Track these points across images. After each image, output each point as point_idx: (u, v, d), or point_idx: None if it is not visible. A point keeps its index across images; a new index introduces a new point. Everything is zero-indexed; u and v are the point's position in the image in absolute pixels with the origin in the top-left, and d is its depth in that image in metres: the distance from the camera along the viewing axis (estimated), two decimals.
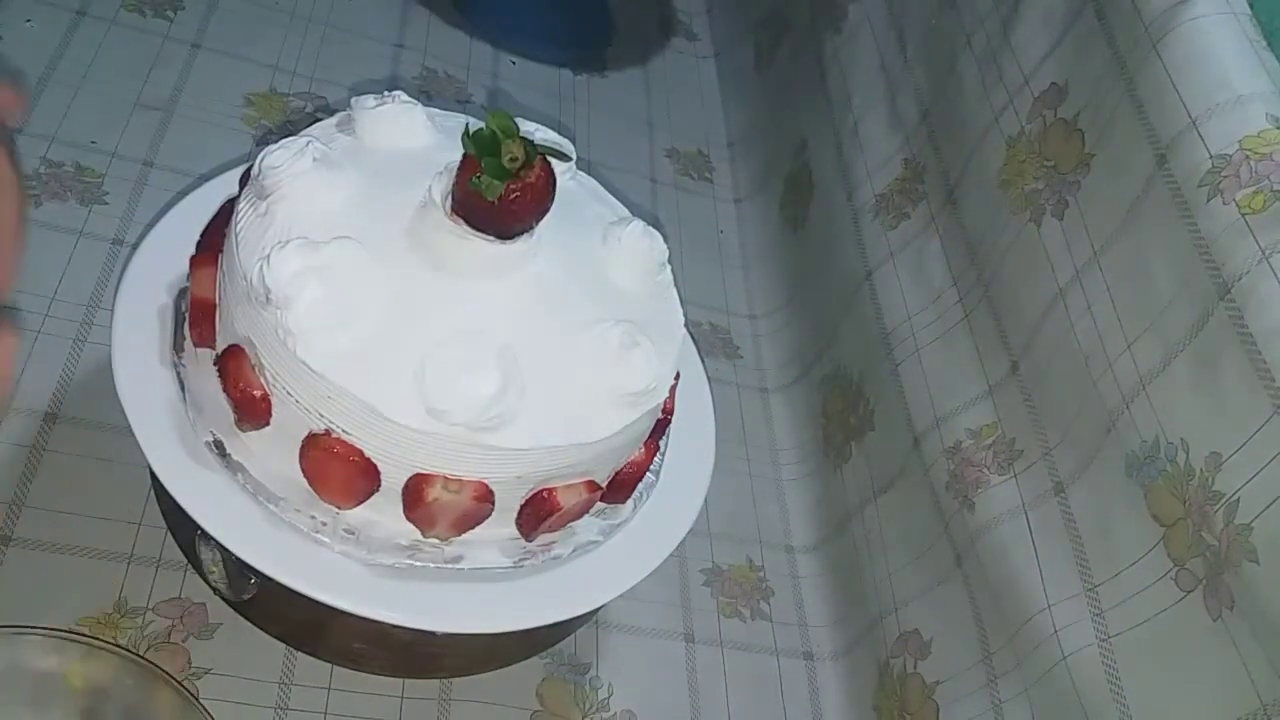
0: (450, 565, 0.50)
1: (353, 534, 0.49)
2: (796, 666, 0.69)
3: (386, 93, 0.55)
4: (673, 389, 0.55)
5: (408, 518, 0.49)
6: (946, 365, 0.67)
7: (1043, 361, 0.59)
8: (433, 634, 0.52)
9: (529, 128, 0.55)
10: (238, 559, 0.47)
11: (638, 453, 0.54)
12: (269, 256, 0.45)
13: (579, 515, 0.53)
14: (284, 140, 0.50)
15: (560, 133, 0.57)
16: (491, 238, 0.48)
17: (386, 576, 0.49)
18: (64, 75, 0.74)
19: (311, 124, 0.55)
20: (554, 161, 0.47)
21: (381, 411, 0.45)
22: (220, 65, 0.81)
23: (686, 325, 0.56)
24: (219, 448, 0.49)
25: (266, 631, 0.56)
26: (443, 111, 0.57)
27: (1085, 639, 0.52)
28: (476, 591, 0.50)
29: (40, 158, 0.70)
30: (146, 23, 0.81)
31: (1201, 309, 0.49)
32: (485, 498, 0.48)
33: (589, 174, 0.60)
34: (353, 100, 0.54)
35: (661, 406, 0.54)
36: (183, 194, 0.59)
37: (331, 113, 0.59)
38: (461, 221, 0.48)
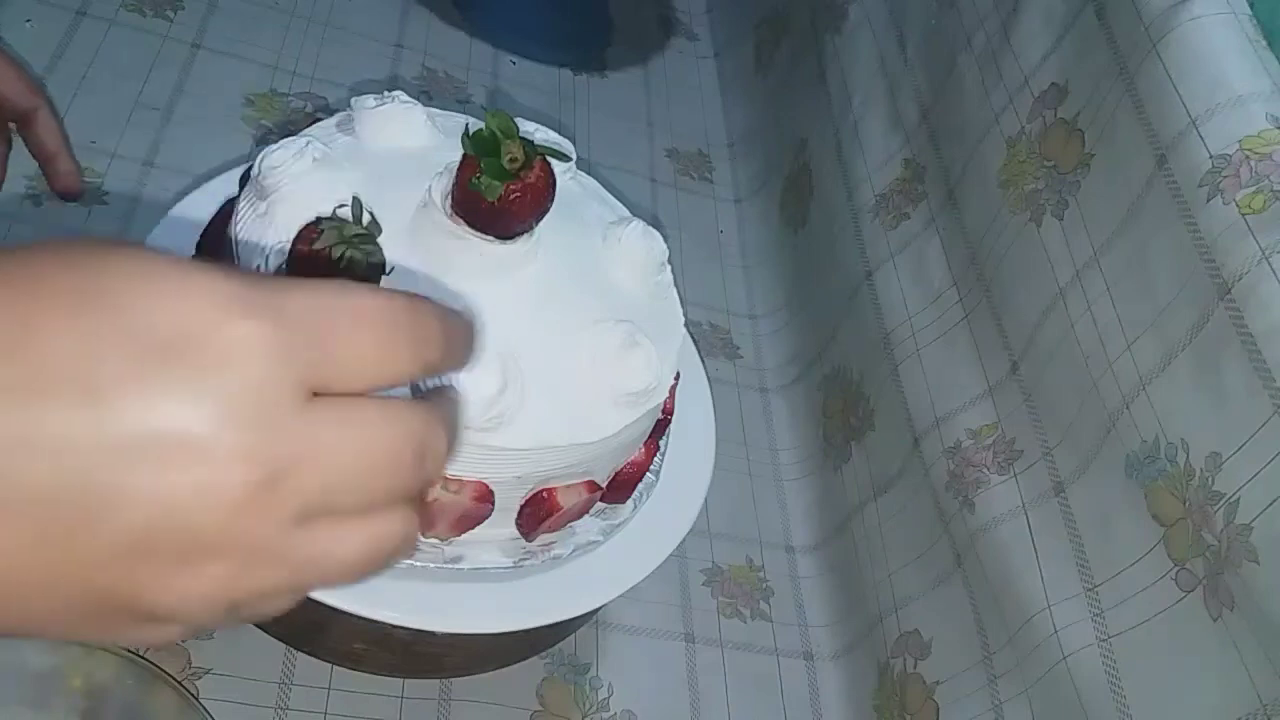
0: (450, 565, 0.50)
1: None
2: (796, 667, 0.69)
3: (386, 93, 0.55)
4: (673, 389, 0.55)
5: None
6: (946, 365, 0.67)
7: (1043, 361, 0.59)
8: (433, 634, 0.52)
9: (529, 128, 0.55)
10: None
11: (638, 453, 0.54)
12: (269, 257, 0.45)
13: (579, 515, 0.53)
14: (284, 140, 0.50)
15: (560, 133, 0.57)
16: (491, 238, 0.48)
17: (386, 576, 0.48)
18: (64, 75, 0.74)
19: (311, 124, 0.55)
20: (554, 161, 0.47)
21: None
22: (220, 65, 0.81)
23: (686, 325, 0.56)
24: None
25: (266, 631, 0.56)
26: (443, 111, 0.57)
27: (1085, 639, 0.52)
28: (476, 591, 0.50)
29: None
30: (146, 23, 0.81)
31: (1201, 309, 0.49)
32: (485, 498, 0.48)
33: (589, 174, 0.60)
34: (353, 100, 0.54)
35: (661, 406, 0.54)
36: (183, 194, 0.59)
37: (331, 113, 0.59)
38: (461, 222, 0.48)
